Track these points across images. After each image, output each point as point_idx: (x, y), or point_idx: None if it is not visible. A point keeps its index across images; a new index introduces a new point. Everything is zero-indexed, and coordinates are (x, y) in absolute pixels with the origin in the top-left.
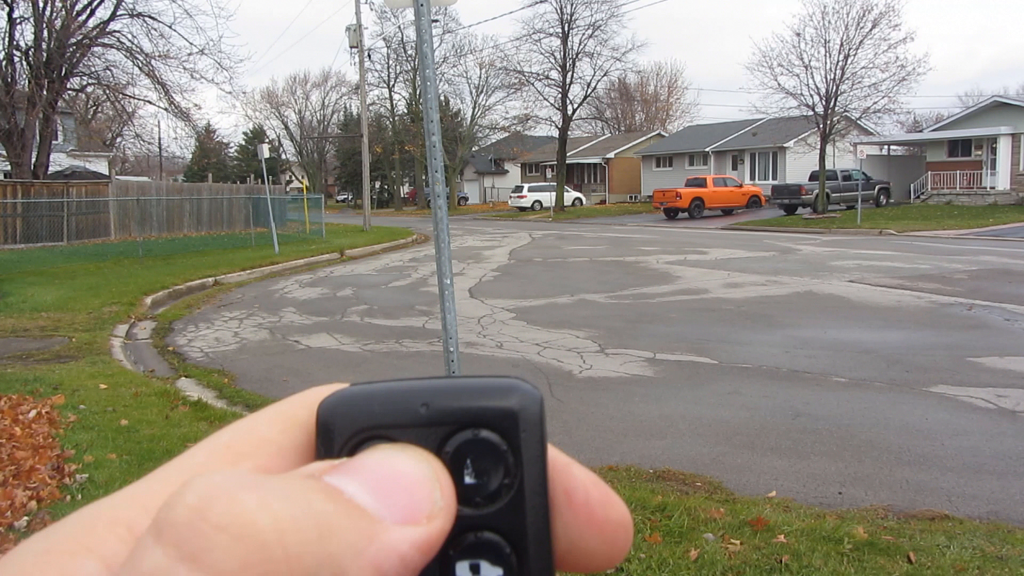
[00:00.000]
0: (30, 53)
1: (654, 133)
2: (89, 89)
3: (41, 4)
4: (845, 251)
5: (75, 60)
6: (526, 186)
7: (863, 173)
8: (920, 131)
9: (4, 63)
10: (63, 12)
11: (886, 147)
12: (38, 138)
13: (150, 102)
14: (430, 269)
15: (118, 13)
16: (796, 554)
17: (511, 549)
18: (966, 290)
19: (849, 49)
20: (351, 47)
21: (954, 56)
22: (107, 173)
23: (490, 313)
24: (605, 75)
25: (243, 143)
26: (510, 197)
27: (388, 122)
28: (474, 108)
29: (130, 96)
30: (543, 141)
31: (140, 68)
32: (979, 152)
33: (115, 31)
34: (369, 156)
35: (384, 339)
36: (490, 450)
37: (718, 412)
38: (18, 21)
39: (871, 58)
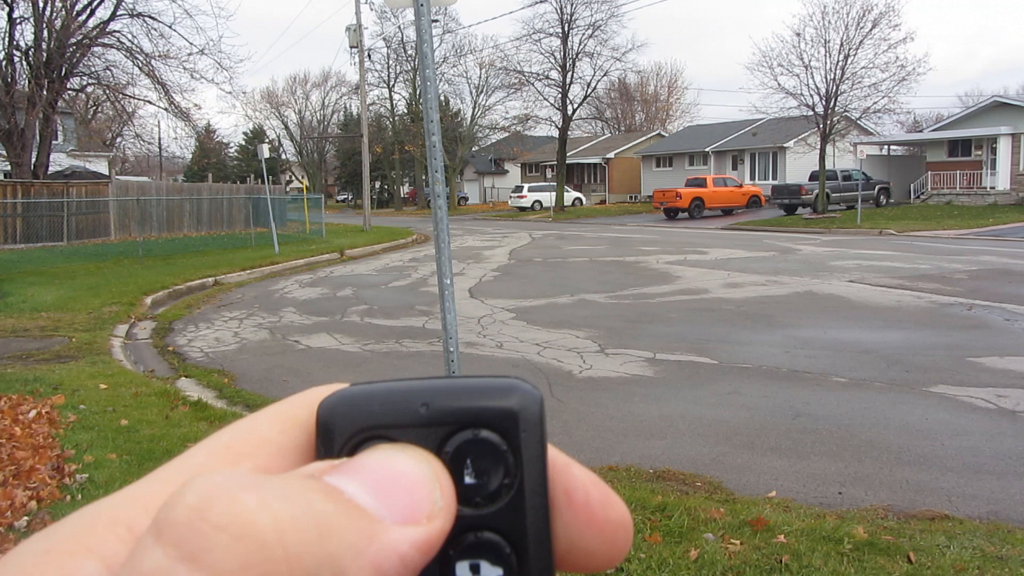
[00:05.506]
0: (30, 53)
1: (654, 133)
2: (89, 89)
3: (41, 4)
4: (845, 251)
5: (75, 60)
6: (526, 186)
7: (863, 173)
8: (920, 131)
9: (4, 63)
10: (63, 12)
11: (886, 147)
12: (38, 138)
13: (150, 102)
14: (430, 269)
15: (118, 13)
16: (796, 554)
17: (511, 549)
18: (966, 290)
19: (849, 49)
20: (351, 47)
21: (954, 56)
22: (107, 173)
23: (490, 313)
24: (605, 75)
25: (243, 143)
26: (510, 197)
27: (388, 122)
28: (474, 108)
29: (130, 96)
30: (543, 141)
31: (140, 68)
32: (979, 152)
33: (115, 31)
34: (369, 156)
35: (384, 339)
36: (490, 450)
37: (718, 412)
38: (18, 21)
39: (871, 58)
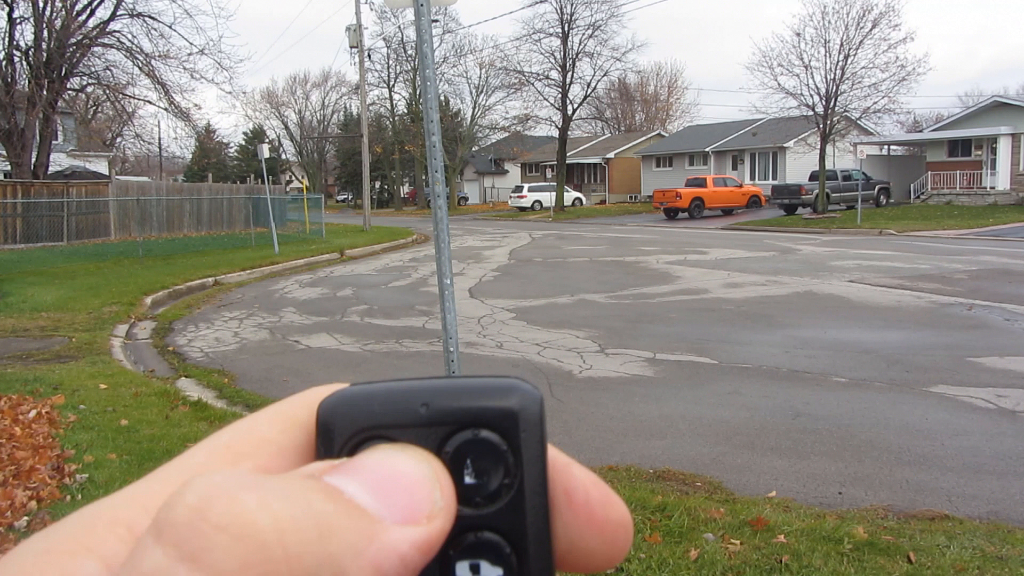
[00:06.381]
0: (30, 53)
1: (654, 133)
2: (89, 89)
3: (41, 4)
4: (845, 251)
5: (75, 60)
6: (526, 186)
7: (863, 173)
8: (920, 131)
9: (4, 63)
10: (63, 12)
11: (886, 147)
12: (38, 138)
13: (150, 102)
14: (430, 269)
15: (118, 13)
16: (796, 554)
17: (511, 549)
18: (966, 290)
19: (849, 49)
20: (351, 47)
21: (954, 56)
22: (107, 173)
23: (490, 313)
24: (605, 75)
25: (243, 143)
26: (510, 197)
27: (388, 122)
28: (474, 108)
29: (130, 96)
30: (543, 141)
31: (140, 68)
32: (979, 152)
33: (115, 31)
34: (369, 156)
35: (384, 339)
36: (490, 450)
37: (718, 412)
38: (18, 21)
39: (871, 58)
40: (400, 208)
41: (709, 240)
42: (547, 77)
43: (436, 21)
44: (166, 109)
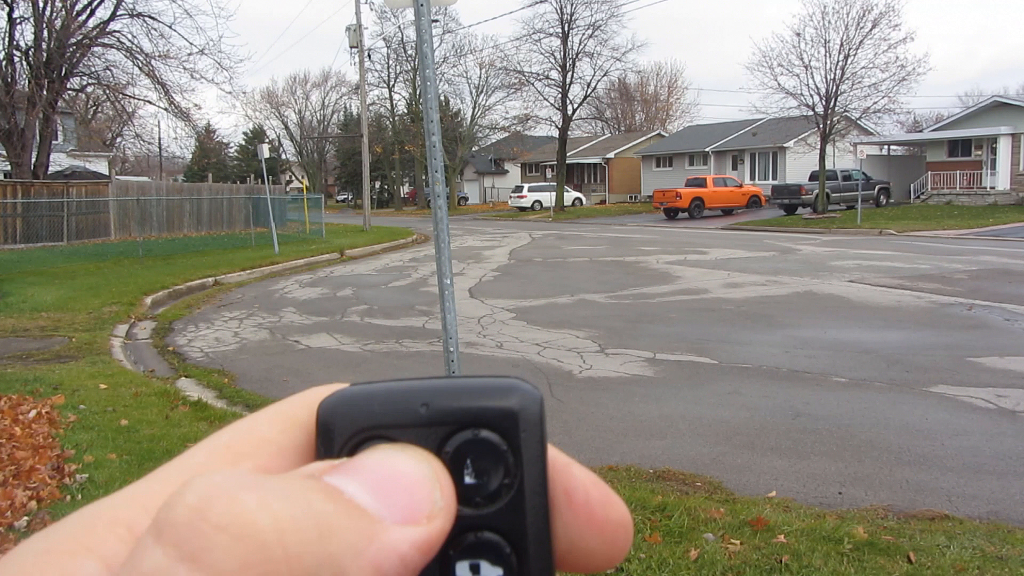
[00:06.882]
0: (30, 53)
1: (654, 133)
2: (89, 89)
3: (41, 4)
4: (845, 251)
5: (75, 60)
6: (526, 186)
7: (863, 173)
8: (920, 131)
9: (4, 63)
10: (63, 12)
11: (886, 147)
12: (38, 138)
13: (150, 102)
14: (430, 269)
15: (118, 13)
16: (796, 554)
17: (511, 549)
18: (966, 290)
19: (849, 49)
20: (351, 47)
21: (954, 56)
22: (107, 173)
23: (490, 313)
24: (605, 75)
25: (243, 143)
26: (510, 197)
27: (388, 122)
28: (474, 108)
29: (130, 96)
30: (543, 141)
31: (140, 68)
32: (979, 152)
33: (115, 31)
34: (369, 156)
35: (384, 339)
36: (490, 450)
37: (718, 412)
38: (18, 21)
39: (871, 58)
40: (400, 208)
41: (709, 240)
42: (547, 77)
43: (436, 21)
44: (166, 109)
